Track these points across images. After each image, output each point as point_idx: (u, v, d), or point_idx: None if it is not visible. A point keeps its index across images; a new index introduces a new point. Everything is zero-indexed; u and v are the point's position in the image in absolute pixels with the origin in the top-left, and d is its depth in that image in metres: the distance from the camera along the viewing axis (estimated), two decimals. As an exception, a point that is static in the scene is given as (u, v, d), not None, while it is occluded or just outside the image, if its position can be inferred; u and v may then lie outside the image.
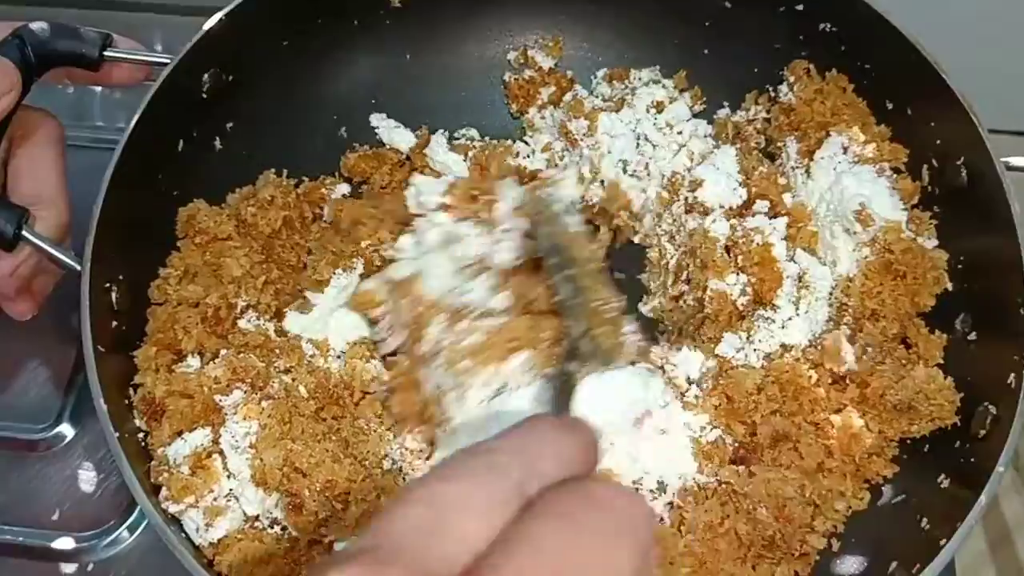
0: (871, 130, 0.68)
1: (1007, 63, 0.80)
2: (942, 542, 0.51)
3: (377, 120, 0.77)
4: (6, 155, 0.61)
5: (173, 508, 0.56)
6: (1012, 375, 0.54)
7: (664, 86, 0.76)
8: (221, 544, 0.56)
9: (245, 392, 0.59)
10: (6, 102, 0.57)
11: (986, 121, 0.61)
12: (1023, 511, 0.77)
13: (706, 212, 0.67)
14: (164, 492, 0.56)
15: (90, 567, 0.69)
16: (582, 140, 0.73)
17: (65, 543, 0.69)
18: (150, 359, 0.61)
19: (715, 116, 0.76)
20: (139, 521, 0.70)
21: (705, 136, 0.74)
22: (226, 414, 0.59)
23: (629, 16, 0.78)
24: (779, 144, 0.72)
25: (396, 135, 0.77)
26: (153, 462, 0.58)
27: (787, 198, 0.68)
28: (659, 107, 0.74)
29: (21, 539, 0.70)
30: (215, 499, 0.56)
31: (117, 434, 0.54)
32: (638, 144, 0.73)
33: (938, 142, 0.65)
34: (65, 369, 0.76)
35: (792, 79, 0.72)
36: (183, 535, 0.56)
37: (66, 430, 0.74)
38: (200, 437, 0.58)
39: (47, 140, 0.62)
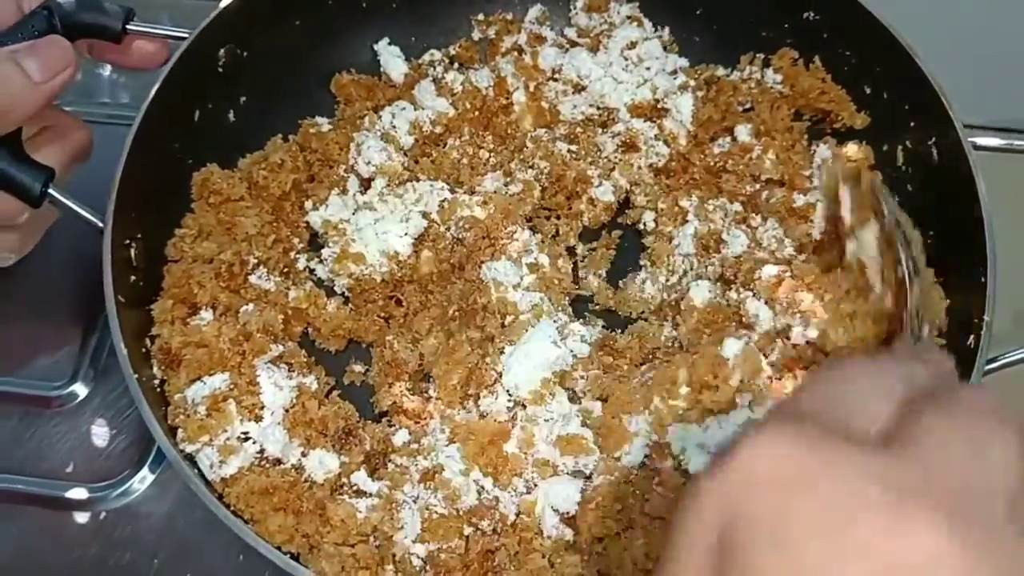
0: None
1: (983, 59, 0.83)
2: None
3: (380, 46, 0.80)
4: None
5: (189, 448, 0.59)
6: (971, 337, 0.58)
7: (642, 25, 0.79)
8: (231, 479, 0.59)
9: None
10: (63, 78, 0.60)
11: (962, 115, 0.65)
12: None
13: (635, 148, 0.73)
14: (181, 433, 0.60)
15: (102, 516, 0.72)
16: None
17: (78, 493, 0.73)
18: (166, 312, 0.64)
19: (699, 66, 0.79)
20: (149, 474, 0.73)
21: (674, 72, 0.77)
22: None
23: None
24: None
25: (393, 64, 0.79)
26: (171, 406, 0.61)
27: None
28: (632, 46, 0.77)
29: (37, 489, 0.73)
30: (228, 439, 0.60)
31: (136, 376, 0.57)
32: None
33: (912, 124, 0.69)
34: (79, 331, 0.79)
35: (779, 65, 0.76)
36: (196, 471, 0.59)
37: (80, 389, 0.77)
38: (219, 381, 0.61)
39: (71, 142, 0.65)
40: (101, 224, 0.62)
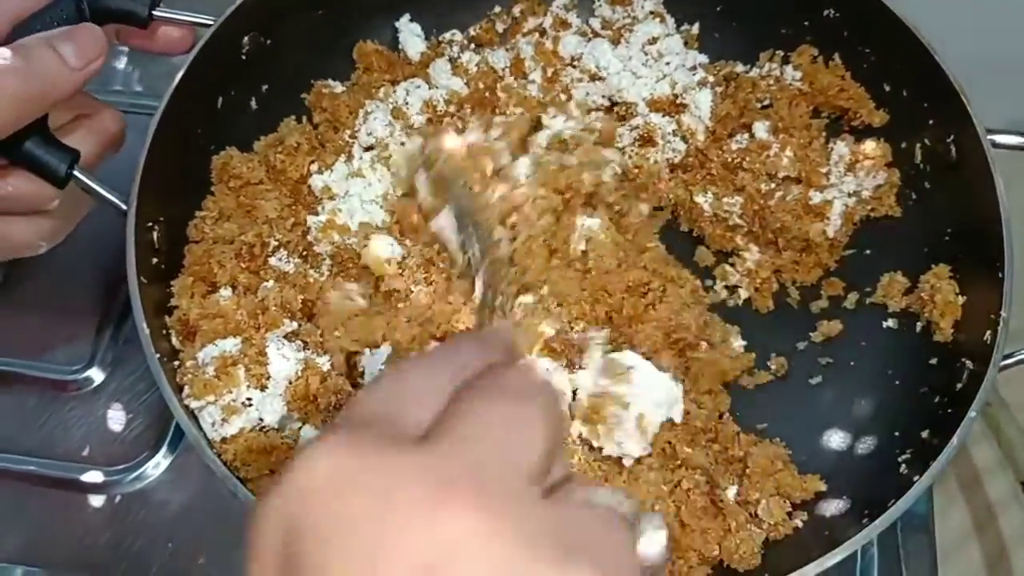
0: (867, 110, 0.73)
1: (1001, 55, 0.84)
2: (915, 478, 0.55)
3: (401, 23, 0.80)
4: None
5: (194, 404, 0.60)
6: (988, 332, 0.59)
7: (664, 21, 0.79)
8: (230, 438, 0.60)
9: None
10: (97, 64, 0.61)
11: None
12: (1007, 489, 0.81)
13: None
14: (187, 390, 0.60)
15: (117, 499, 0.73)
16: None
17: (94, 476, 0.73)
18: (187, 288, 0.65)
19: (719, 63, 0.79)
20: (164, 459, 0.74)
21: (693, 68, 0.77)
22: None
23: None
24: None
25: (411, 42, 0.79)
26: (179, 366, 0.62)
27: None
28: (653, 41, 0.77)
29: (53, 472, 0.74)
30: (232, 400, 0.60)
31: (157, 355, 0.58)
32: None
33: (931, 122, 0.69)
34: (97, 316, 0.80)
35: (798, 62, 0.76)
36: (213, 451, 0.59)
37: (96, 373, 0.78)
38: (230, 345, 0.62)
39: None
40: (125, 206, 0.62)
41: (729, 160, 0.73)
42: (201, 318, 0.63)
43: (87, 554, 0.72)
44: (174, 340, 0.64)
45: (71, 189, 0.62)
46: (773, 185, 0.72)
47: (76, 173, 0.62)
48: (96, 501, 0.74)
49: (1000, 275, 0.60)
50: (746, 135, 0.75)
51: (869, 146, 0.72)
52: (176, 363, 0.63)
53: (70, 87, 0.60)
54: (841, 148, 0.73)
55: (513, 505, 0.30)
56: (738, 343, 0.69)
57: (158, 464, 0.74)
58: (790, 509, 0.62)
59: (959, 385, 0.60)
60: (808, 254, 0.72)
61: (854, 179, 0.72)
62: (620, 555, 0.33)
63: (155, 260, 0.64)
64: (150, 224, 0.64)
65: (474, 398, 0.34)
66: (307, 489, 0.30)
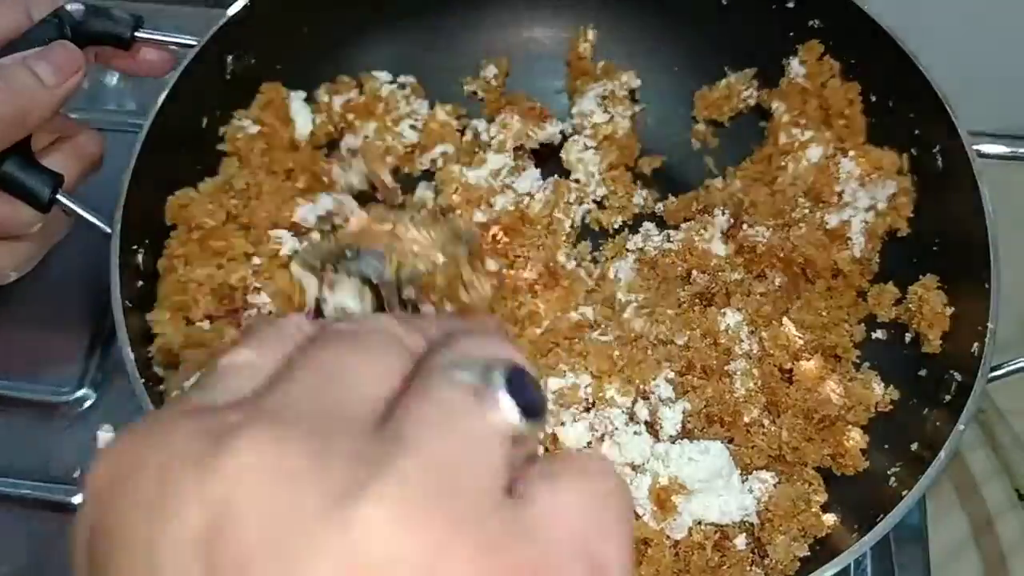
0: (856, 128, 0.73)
1: (987, 65, 0.84)
2: (904, 493, 0.55)
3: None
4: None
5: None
6: (976, 344, 0.58)
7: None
8: None
9: None
10: (74, 82, 0.61)
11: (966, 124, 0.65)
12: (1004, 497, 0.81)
13: None
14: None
15: (109, 522, 0.73)
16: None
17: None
18: (163, 322, 0.64)
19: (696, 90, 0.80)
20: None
21: None
22: None
23: (628, 13, 0.81)
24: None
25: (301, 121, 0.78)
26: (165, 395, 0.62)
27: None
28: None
29: (45, 495, 0.73)
30: None
31: (142, 380, 0.58)
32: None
33: (917, 132, 0.69)
34: (86, 337, 0.79)
35: (805, 58, 0.75)
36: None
37: (87, 395, 0.78)
38: None
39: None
40: (109, 229, 0.62)
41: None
42: (184, 347, 0.62)
43: (77, 577, 0.71)
44: (156, 368, 0.63)
45: (47, 216, 0.62)
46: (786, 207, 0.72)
47: (60, 197, 0.62)
48: (88, 523, 0.73)
49: (987, 286, 0.59)
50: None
51: (877, 156, 0.72)
52: (162, 388, 0.63)
53: (48, 106, 0.60)
54: (848, 164, 0.72)
55: (318, 441, 0.25)
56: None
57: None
58: (807, 552, 0.60)
59: (947, 397, 0.60)
60: (839, 278, 0.71)
61: (866, 193, 0.71)
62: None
63: (140, 283, 0.64)
64: (135, 247, 0.64)
65: (313, 350, 0.29)
66: (101, 482, 0.26)
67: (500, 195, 0.74)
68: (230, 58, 0.72)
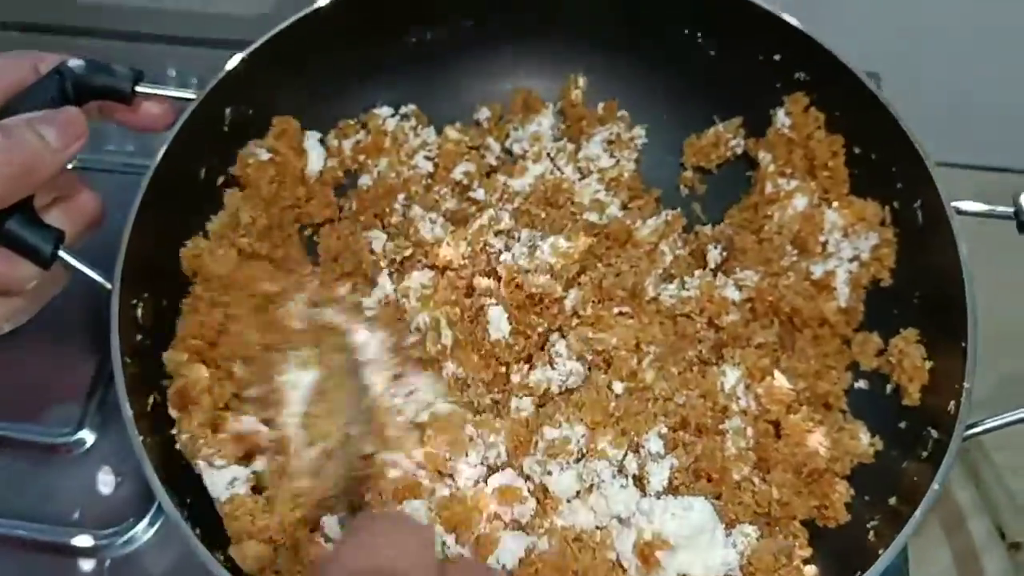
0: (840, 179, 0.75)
1: (958, 97, 0.86)
2: (880, 551, 0.56)
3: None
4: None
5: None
6: (952, 402, 0.60)
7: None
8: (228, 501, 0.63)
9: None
10: (77, 146, 0.62)
11: (938, 154, 0.67)
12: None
13: None
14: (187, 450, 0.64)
15: (107, 563, 0.74)
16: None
17: (84, 540, 0.74)
18: (180, 363, 0.66)
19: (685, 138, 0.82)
20: (152, 522, 0.75)
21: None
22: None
23: (618, 62, 0.83)
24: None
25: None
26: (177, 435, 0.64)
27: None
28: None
29: (45, 536, 0.75)
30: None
31: (141, 437, 0.59)
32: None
33: (899, 185, 0.71)
34: (87, 379, 0.81)
35: (791, 109, 0.77)
36: (197, 531, 0.60)
37: (87, 436, 0.79)
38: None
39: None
40: (109, 285, 0.64)
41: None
42: (201, 391, 0.64)
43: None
44: (171, 411, 0.65)
45: (44, 272, 0.63)
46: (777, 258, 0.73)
47: (61, 253, 0.63)
48: (86, 565, 0.74)
49: (963, 344, 0.61)
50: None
51: (860, 206, 0.73)
52: (173, 431, 0.65)
53: (52, 169, 0.61)
54: (832, 215, 0.73)
55: None
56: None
57: (147, 528, 0.75)
58: None
59: (924, 453, 0.61)
60: (824, 327, 0.72)
61: (850, 244, 0.73)
62: None
63: (139, 336, 0.65)
64: (134, 301, 0.65)
65: None
66: None
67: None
68: (228, 110, 0.73)
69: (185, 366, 0.66)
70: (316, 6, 0.74)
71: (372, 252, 0.75)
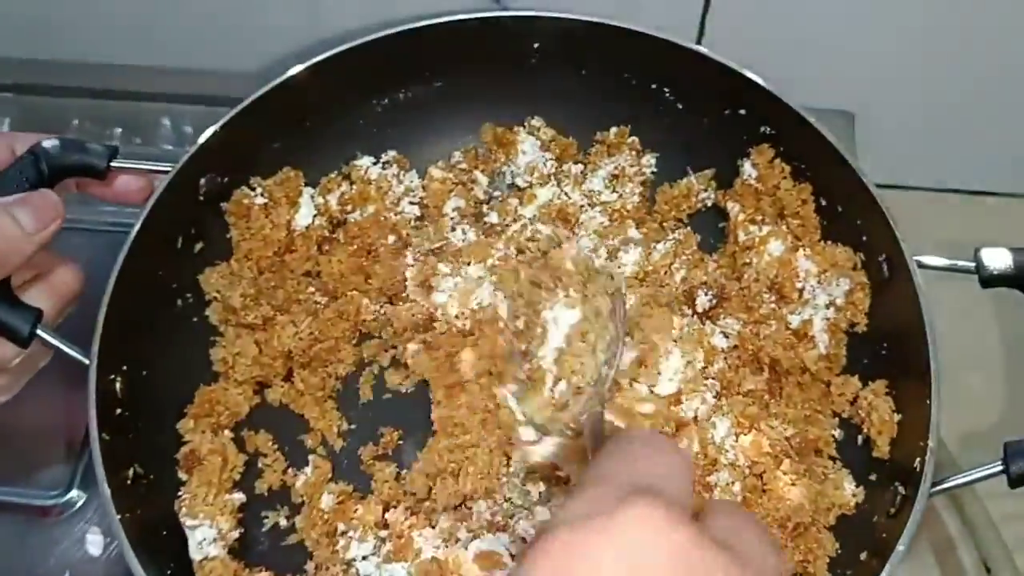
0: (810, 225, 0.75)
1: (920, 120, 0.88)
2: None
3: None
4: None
5: (190, 522, 0.67)
6: (918, 459, 0.60)
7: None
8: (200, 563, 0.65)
9: None
10: (52, 228, 0.64)
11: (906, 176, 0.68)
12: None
13: None
14: (184, 511, 0.68)
15: (96, 626, 0.76)
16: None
17: (75, 604, 0.75)
18: (190, 430, 0.70)
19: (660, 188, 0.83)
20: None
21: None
22: None
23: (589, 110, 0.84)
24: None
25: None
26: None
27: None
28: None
29: (35, 595, 0.76)
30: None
31: (119, 516, 0.61)
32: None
33: (864, 238, 0.72)
34: (76, 439, 0.82)
35: (757, 161, 0.78)
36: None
37: (77, 496, 0.80)
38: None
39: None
40: (87, 360, 0.65)
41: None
42: (210, 453, 0.68)
43: None
44: (180, 474, 0.69)
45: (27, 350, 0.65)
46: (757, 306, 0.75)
47: (39, 332, 0.64)
48: (77, 627, 0.76)
49: (928, 403, 0.61)
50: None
51: (831, 252, 0.74)
52: (179, 494, 0.68)
53: (26, 252, 0.63)
54: (805, 262, 0.74)
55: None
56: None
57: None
58: None
59: (892, 510, 0.62)
60: (806, 374, 0.73)
61: (823, 290, 0.74)
62: None
63: (118, 410, 0.67)
64: (112, 376, 0.66)
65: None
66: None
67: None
68: (203, 180, 0.75)
69: (195, 432, 0.70)
70: (288, 75, 0.76)
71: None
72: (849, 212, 0.73)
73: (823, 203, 0.75)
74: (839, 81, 0.90)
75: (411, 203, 0.83)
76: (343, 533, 0.68)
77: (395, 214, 0.82)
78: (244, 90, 0.76)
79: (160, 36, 0.97)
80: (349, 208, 0.82)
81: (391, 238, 0.80)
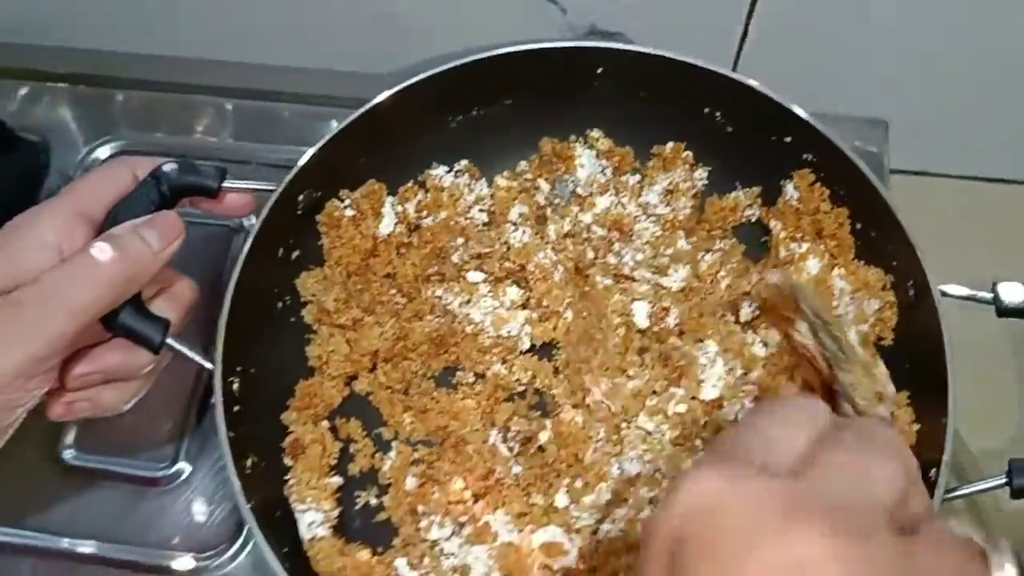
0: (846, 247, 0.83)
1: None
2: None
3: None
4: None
5: (300, 507, 0.77)
6: (933, 470, 0.69)
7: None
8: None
9: None
10: (175, 246, 0.71)
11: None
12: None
13: None
14: (294, 497, 0.77)
15: (208, 584, 0.85)
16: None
17: (185, 563, 0.85)
18: (293, 421, 0.80)
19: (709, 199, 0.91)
20: (244, 545, 0.86)
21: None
22: None
23: (646, 126, 0.92)
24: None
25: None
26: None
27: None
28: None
29: (148, 559, 0.85)
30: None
31: (249, 504, 0.70)
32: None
33: (894, 263, 0.79)
34: (179, 418, 0.91)
35: (799, 184, 0.86)
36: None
37: (184, 468, 0.89)
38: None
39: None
40: (211, 366, 0.74)
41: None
42: (312, 442, 0.77)
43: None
44: (286, 460, 0.78)
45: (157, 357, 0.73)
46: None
47: (168, 340, 0.73)
48: (188, 586, 0.85)
49: (943, 420, 0.70)
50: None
51: (864, 273, 0.81)
52: (287, 480, 0.78)
53: (155, 268, 0.71)
54: (839, 281, 0.82)
55: (866, 537, 0.36)
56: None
57: (239, 552, 0.86)
58: None
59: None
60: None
61: (855, 307, 0.81)
62: None
63: (236, 407, 0.75)
64: (230, 379, 0.75)
65: (835, 444, 0.41)
66: (688, 505, 0.38)
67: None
68: (301, 196, 0.83)
69: (297, 424, 0.80)
70: (377, 100, 0.84)
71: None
72: (881, 238, 0.80)
73: (858, 227, 0.82)
74: (872, 89, 0.98)
75: (480, 210, 0.91)
76: (424, 514, 0.78)
77: (465, 218, 0.90)
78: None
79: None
80: (424, 214, 0.90)
81: (459, 240, 0.88)
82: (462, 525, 0.77)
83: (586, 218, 0.90)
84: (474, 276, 0.87)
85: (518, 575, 0.73)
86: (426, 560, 0.76)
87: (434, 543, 0.77)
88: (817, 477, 0.39)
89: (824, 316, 0.72)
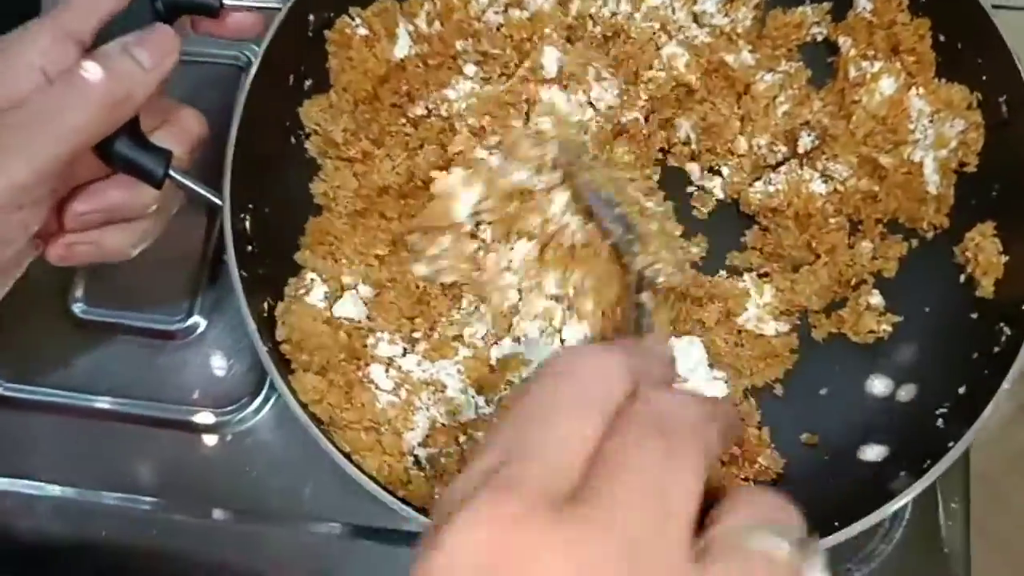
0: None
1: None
2: (950, 444, 0.60)
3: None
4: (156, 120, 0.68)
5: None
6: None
7: None
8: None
9: None
10: (169, 62, 0.65)
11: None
12: None
13: None
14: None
15: (228, 438, 0.82)
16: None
17: (205, 418, 0.82)
18: (306, 260, 0.74)
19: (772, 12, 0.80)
20: (266, 399, 0.82)
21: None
22: None
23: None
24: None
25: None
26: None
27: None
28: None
29: (169, 414, 0.82)
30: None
31: (266, 348, 0.65)
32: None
33: (984, 77, 0.70)
34: (193, 270, 0.87)
35: None
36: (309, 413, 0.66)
37: (199, 322, 0.85)
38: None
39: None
40: (220, 201, 0.67)
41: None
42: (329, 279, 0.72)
43: (207, 489, 0.81)
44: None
45: (162, 194, 0.67)
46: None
47: (172, 173, 0.67)
48: (210, 440, 0.82)
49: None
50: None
51: (946, 91, 0.73)
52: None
53: (148, 87, 0.64)
54: (917, 102, 0.73)
55: None
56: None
57: (261, 406, 0.82)
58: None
59: (996, 349, 0.64)
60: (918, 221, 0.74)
61: (935, 130, 0.73)
62: None
63: (249, 248, 0.69)
64: (242, 215, 0.69)
65: (627, 444, 0.35)
66: (459, 563, 0.32)
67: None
68: (311, 16, 0.75)
69: (313, 261, 0.75)
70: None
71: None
72: (969, 49, 0.71)
73: (941, 39, 0.73)
74: None
75: (495, 12, 0.79)
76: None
77: (479, 22, 0.79)
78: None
79: None
80: (437, 26, 0.80)
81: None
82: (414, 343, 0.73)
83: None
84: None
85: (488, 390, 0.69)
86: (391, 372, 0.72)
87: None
88: (604, 499, 0.33)
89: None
